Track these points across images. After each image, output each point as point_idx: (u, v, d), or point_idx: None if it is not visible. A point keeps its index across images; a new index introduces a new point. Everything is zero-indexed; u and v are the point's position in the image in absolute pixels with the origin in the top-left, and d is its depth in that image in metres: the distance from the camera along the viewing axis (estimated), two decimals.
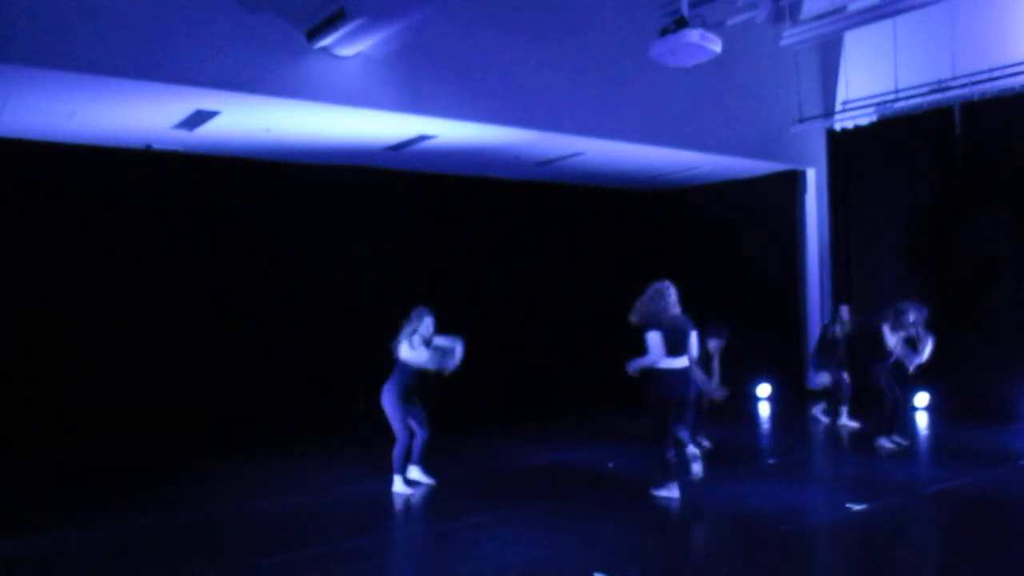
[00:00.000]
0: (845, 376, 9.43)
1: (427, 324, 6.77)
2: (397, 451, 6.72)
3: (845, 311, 9.66)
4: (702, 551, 5.26)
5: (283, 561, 5.07)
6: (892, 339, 8.06)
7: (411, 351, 6.65)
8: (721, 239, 12.72)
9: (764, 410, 10.75)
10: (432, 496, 6.68)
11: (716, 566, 4.97)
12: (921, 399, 10.55)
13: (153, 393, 9.14)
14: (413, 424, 6.79)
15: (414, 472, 7.00)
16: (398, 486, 6.76)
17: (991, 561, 4.91)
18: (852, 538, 5.48)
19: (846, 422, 9.37)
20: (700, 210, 13.03)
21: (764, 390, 11.30)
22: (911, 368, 8.08)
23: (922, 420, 9.94)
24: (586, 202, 12.83)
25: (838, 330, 9.52)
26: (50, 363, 8.69)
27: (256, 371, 9.76)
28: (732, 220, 12.55)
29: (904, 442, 8.23)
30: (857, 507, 6.00)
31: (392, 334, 6.91)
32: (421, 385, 6.86)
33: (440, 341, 6.80)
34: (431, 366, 6.71)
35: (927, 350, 8.05)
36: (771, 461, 8.05)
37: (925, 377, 10.51)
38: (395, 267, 11.08)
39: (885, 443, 8.15)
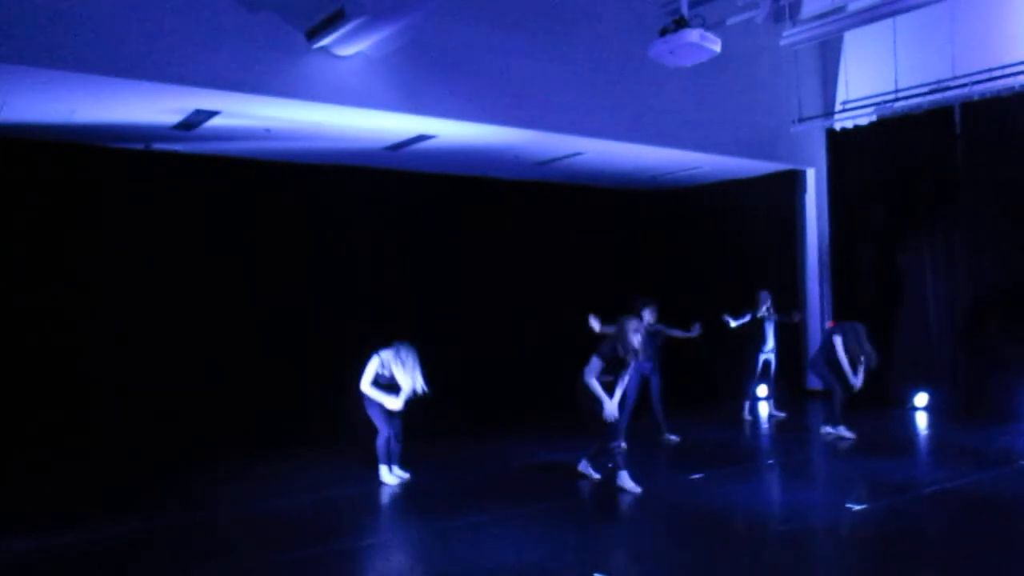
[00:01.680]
0: (759, 367, 10.02)
1: (404, 360, 6.74)
2: (379, 442, 6.88)
3: (765, 298, 9.92)
4: (702, 551, 5.25)
5: (283, 561, 5.07)
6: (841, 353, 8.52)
7: (367, 384, 6.75)
8: (721, 239, 12.71)
9: (763, 410, 10.75)
10: (432, 496, 6.68)
11: (716, 566, 4.96)
12: (921, 399, 10.55)
13: (152, 393, 9.14)
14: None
15: (394, 469, 7.11)
16: (384, 475, 6.90)
17: (991, 561, 4.91)
18: (852, 538, 5.48)
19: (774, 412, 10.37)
20: (700, 210, 13.02)
21: (763, 390, 11.29)
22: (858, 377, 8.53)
23: (922, 420, 9.94)
24: (586, 202, 12.83)
25: (763, 316, 9.91)
26: (49, 362, 8.70)
27: (255, 371, 9.76)
28: (732, 220, 12.55)
29: (850, 435, 8.61)
30: (857, 507, 6.00)
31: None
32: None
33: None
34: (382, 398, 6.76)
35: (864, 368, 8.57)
36: (770, 461, 8.05)
37: (925, 377, 10.59)
38: (395, 267, 11.09)
39: (828, 430, 8.75)
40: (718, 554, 5.16)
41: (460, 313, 11.37)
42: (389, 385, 6.80)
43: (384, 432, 6.84)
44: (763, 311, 9.86)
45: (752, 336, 9.94)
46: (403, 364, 6.73)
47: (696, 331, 8.79)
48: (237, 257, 9.86)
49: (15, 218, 8.61)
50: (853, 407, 8.83)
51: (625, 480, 6.60)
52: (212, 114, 7.83)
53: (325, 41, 7.32)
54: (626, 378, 6.79)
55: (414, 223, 11.26)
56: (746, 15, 8.31)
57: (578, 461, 7.08)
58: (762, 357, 10.01)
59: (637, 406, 8.29)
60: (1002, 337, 9.86)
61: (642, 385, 8.47)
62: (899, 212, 10.88)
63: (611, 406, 6.53)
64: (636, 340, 6.57)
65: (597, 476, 6.96)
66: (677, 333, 8.76)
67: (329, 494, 6.76)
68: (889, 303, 10.94)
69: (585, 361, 6.62)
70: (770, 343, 10.01)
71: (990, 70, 9.47)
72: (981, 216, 10.05)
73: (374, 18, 6.91)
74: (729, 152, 10.70)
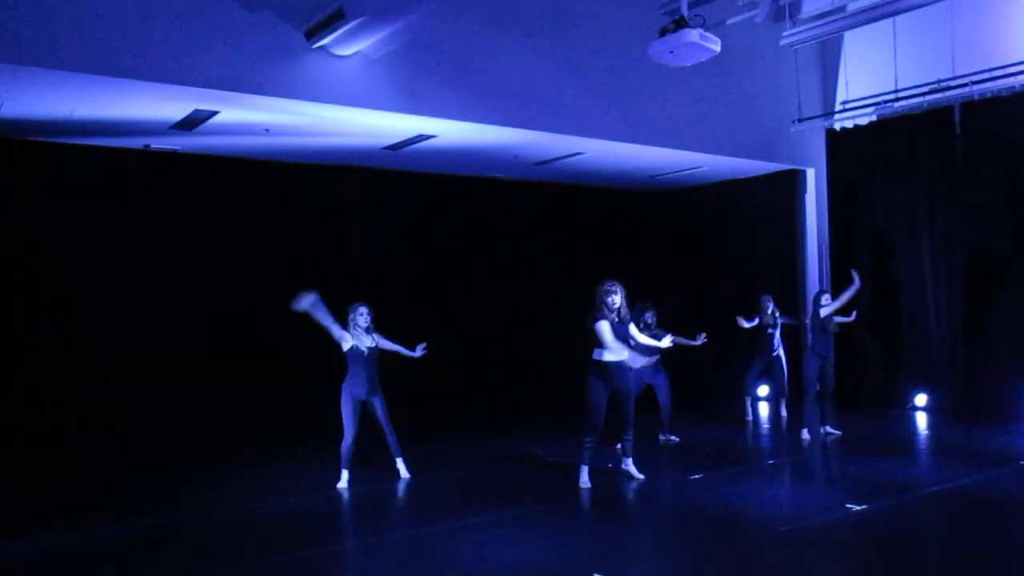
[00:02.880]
0: (760, 368, 9.99)
1: (362, 313, 7.10)
2: (343, 445, 6.93)
3: (768, 301, 9.75)
4: (701, 551, 5.25)
5: (283, 561, 5.07)
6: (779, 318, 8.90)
7: (344, 340, 7.04)
8: (721, 239, 12.71)
9: (764, 410, 10.75)
10: (432, 496, 6.68)
11: (715, 566, 4.96)
12: (921, 399, 10.55)
13: (152, 393, 9.13)
14: (380, 423, 6.98)
15: (399, 465, 7.20)
16: (342, 481, 6.90)
17: (991, 562, 4.91)
18: (851, 539, 5.47)
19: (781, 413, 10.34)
20: (700, 210, 13.02)
21: (764, 390, 11.29)
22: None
23: (922, 420, 9.94)
24: (586, 202, 12.83)
25: (766, 320, 9.76)
26: (50, 363, 8.70)
27: (254, 371, 9.75)
28: (732, 220, 12.55)
29: (835, 431, 8.82)
30: (856, 507, 6.00)
31: (389, 333, 7.16)
32: (381, 379, 7.08)
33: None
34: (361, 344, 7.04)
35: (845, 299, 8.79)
36: (771, 461, 8.05)
37: (925, 377, 10.59)
38: (394, 267, 11.08)
39: (829, 430, 8.85)
40: (718, 554, 5.16)
41: (459, 313, 11.36)
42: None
43: (349, 436, 6.86)
44: (768, 316, 9.70)
45: (755, 339, 9.84)
46: (359, 324, 7.00)
47: (700, 340, 8.35)
48: (237, 256, 9.86)
49: (14, 217, 8.61)
50: (854, 407, 8.83)
51: (583, 474, 6.78)
52: (211, 114, 7.82)
53: (324, 41, 7.31)
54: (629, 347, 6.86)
55: (414, 223, 11.25)
56: (746, 15, 8.29)
57: (621, 463, 7.17)
58: (766, 359, 9.91)
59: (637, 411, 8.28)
60: (1002, 337, 9.85)
61: (641, 391, 8.39)
62: (899, 212, 10.87)
63: (634, 357, 6.73)
64: (616, 300, 6.83)
65: (641, 476, 7.04)
66: (680, 340, 8.52)
67: (328, 495, 6.76)
68: (889, 303, 10.94)
69: (585, 356, 6.79)
70: (776, 344, 9.88)
71: (990, 70, 9.46)
72: (981, 216, 10.04)
73: (374, 18, 6.90)
74: (729, 152, 10.69)
